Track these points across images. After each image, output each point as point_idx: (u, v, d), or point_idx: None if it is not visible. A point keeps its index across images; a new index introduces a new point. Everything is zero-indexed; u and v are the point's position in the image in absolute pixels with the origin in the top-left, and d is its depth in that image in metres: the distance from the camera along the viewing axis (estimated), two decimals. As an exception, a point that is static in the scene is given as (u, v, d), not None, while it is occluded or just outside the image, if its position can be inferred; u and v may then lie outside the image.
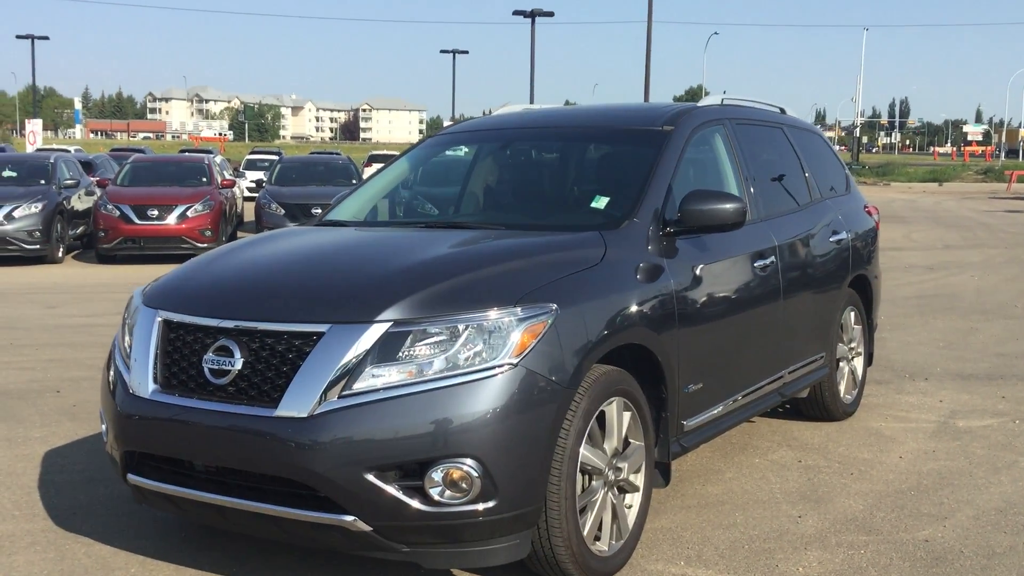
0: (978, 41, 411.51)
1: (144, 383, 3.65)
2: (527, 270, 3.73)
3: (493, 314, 3.42)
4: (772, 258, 5.03)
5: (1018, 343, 8.79)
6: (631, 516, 3.98)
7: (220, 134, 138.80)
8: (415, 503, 3.29)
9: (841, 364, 6.12)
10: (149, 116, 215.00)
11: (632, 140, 4.91)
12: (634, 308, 3.93)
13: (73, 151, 31.39)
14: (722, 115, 5.24)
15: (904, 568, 3.97)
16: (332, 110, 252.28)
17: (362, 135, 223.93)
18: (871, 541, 4.23)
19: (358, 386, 3.30)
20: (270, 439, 3.32)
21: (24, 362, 7.90)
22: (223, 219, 16.59)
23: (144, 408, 3.62)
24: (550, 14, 44.70)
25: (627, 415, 3.90)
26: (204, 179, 17.20)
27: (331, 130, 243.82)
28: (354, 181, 18.39)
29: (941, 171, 56.01)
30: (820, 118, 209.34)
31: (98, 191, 17.45)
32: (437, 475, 3.29)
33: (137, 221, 15.46)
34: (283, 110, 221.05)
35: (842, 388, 6.11)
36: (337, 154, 26.39)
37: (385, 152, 40.52)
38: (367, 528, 3.31)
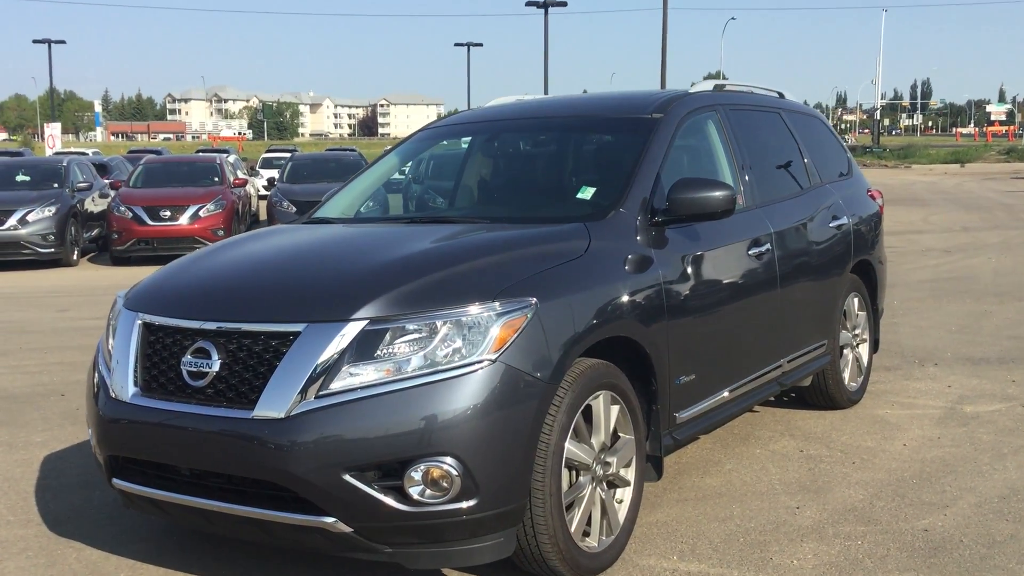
0: (1000, 19, 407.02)
1: (125, 386, 3.63)
2: (507, 264, 3.68)
3: (471, 309, 3.37)
4: (768, 245, 4.95)
5: (1032, 325, 8.65)
6: (622, 511, 3.92)
7: (239, 133, 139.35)
8: (395, 503, 3.25)
9: (845, 351, 6.03)
10: (169, 117, 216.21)
11: (620, 129, 4.84)
12: (620, 300, 3.87)
13: (91, 153, 31.60)
14: (715, 101, 5.16)
15: (901, 559, 3.89)
16: (350, 106, 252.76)
17: (380, 131, 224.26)
18: (869, 531, 4.16)
19: (335, 386, 3.26)
20: (248, 441, 3.29)
21: (31, 366, 7.93)
22: (236, 218, 16.64)
23: (125, 412, 3.60)
24: (563, 4, 44.62)
25: (615, 409, 3.85)
26: (216, 179, 17.27)
27: (349, 127, 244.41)
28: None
29: (963, 152, 55.36)
30: (841, 101, 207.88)
31: (112, 193, 17.53)
32: (417, 474, 3.24)
33: (150, 222, 15.53)
34: (302, 108, 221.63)
35: (846, 376, 6.02)
36: (351, 150, 26.40)
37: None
38: (348, 529, 3.28)
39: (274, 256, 4.10)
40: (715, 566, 3.87)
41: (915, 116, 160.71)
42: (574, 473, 3.68)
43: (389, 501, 3.24)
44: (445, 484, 3.25)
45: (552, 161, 5.09)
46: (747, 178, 5.04)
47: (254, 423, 3.29)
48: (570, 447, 3.58)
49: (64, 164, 17.23)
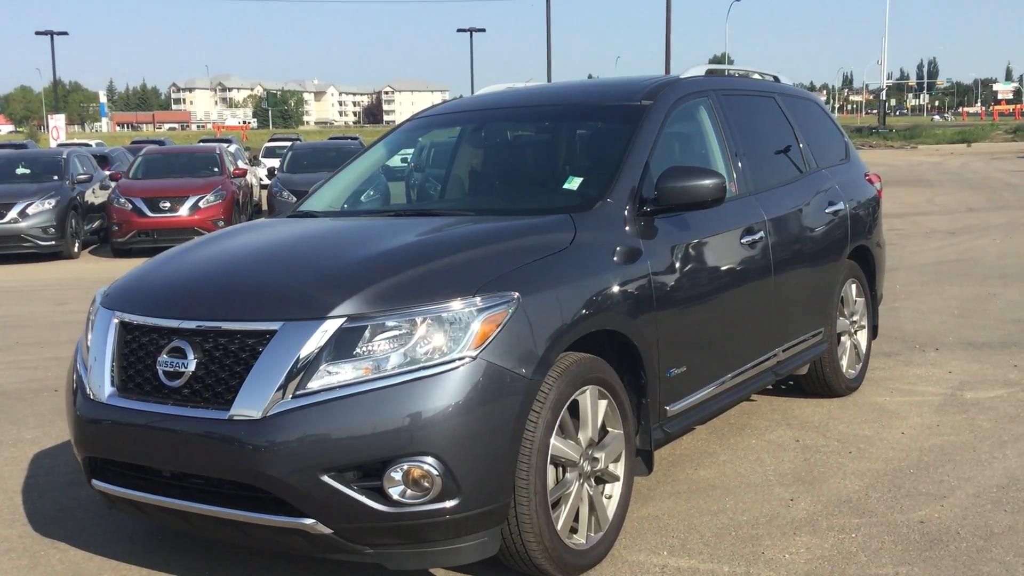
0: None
1: (102, 386, 3.57)
2: (489, 258, 3.59)
3: (452, 305, 3.30)
4: (761, 233, 4.86)
5: (1036, 308, 8.55)
6: (611, 507, 3.86)
7: (244, 122, 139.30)
8: (375, 504, 3.19)
9: (843, 339, 5.94)
10: (174, 107, 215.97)
11: (608, 116, 4.75)
12: (606, 292, 3.79)
13: (94, 144, 31.59)
14: (707, 86, 5.06)
15: (896, 552, 3.82)
16: (355, 94, 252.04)
17: (385, 118, 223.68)
18: (863, 524, 4.09)
19: (312, 385, 3.19)
20: (224, 442, 3.23)
21: (26, 361, 7.90)
22: (236, 208, 16.58)
23: (102, 412, 3.54)
24: (566, -12, 44.27)
25: (603, 403, 3.77)
26: (216, 169, 17.21)
27: (354, 114, 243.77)
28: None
29: (970, 131, 55.04)
30: (848, 82, 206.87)
31: (112, 185, 17.48)
32: (397, 474, 3.18)
33: (149, 214, 15.49)
34: (306, 96, 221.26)
35: (844, 363, 5.93)
36: (353, 139, 26.31)
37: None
38: (327, 531, 3.22)
39: (253, 252, 4.02)
40: (705, 561, 3.80)
41: (921, 96, 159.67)
42: (560, 470, 3.61)
43: (369, 502, 3.18)
44: (426, 484, 3.19)
45: (540, 151, 5.00)
46: (740, 165, 4.95)
47: (230, 424, 3.23)
48: (556, 443, 3.51)
49: (64, 156, 17.19)
